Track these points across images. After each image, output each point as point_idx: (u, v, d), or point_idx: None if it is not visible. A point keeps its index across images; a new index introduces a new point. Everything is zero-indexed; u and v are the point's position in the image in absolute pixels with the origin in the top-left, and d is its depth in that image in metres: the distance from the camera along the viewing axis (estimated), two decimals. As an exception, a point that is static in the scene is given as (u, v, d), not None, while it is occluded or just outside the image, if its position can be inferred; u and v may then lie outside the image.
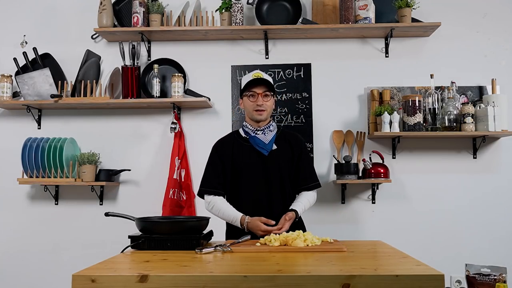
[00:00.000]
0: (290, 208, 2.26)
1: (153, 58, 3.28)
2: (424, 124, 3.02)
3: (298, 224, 2.31)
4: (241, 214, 2.24)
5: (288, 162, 2.36)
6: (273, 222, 2.15)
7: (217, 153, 2.39)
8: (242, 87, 2.35)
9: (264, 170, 2.32)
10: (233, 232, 2.31)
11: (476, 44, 3.22)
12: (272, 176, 2.32)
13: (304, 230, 2.32)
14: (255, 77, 2.29)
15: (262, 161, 2.32)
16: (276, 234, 2.01)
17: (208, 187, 2.34)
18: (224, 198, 2.36)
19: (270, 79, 2.36)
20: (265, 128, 2.35)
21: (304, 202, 2.33)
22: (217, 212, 2.31)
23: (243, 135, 2.39)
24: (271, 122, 2.40)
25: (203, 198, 2.37)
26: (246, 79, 2.35)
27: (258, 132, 2.35)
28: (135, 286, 1.32)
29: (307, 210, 2.36)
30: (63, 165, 3.04)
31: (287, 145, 2.38)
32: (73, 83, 3.16)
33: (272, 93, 2.33)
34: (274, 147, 2.35)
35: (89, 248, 3.14)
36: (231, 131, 3.18)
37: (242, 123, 3.16)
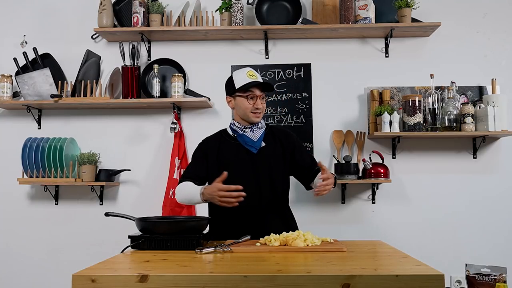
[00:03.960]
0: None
1: (153, 58, 3.28)
2: (424, 124, 3.02)
3: (291, 226, 2.31)
4: (202, 186, 2.13)
5: (280, 159, 2.31)
6: (225, 176, 2.02)
7: (201, 150, 2.34)
8: (237, 86, 2.24)
9: (253, 168, 2.26)
10: (216, 230, 2.24)
11: (476, 44, 3.22)
12: (261, 174, 2.26)
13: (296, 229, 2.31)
14: (251, 77, 2.22)
15: (250, 158, 2.27)
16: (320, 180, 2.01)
17: (182, 177, 2.28)
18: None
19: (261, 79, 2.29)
20: (253, 126, 2.30)
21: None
22: (180, 194, 2.21)
23: (231, 133, 2.34)
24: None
25: None
26: (241, 78, 2.25)
27: (247, 130, 2.29)
28: (135, 286, 1.32)
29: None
30: (63, 165, 3.04)
31: (277, 142, 2.33)
32: (73, 83, 3.16)
33: (266, 94, 2.32)
34: (263, 144, 2.30)
35: (89, 248, 3.14)
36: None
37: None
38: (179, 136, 3.16)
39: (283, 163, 2.32)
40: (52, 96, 3.04)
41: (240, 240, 1.93)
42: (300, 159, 2.34)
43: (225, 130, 2.40)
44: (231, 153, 2.29)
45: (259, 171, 2.27)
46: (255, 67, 3.18)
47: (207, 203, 2.32)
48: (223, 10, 3.15)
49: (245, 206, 2.17)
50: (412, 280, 1.30)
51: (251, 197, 2.15)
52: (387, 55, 3.23)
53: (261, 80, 2.27)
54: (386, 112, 2.98)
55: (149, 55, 3.28)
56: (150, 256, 1.67)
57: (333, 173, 2.15)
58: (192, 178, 2.25)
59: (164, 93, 3.17)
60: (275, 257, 1.64)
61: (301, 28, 3.10)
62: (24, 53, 3.16)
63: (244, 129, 2.30)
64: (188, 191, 2.18)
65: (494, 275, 1.59)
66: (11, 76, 3.14)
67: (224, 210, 2.20)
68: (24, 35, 3.31)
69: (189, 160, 3.14)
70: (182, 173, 2.32)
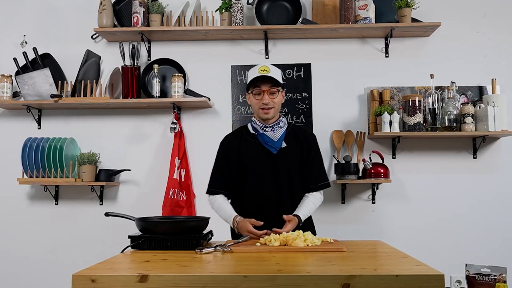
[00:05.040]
0: (294, 213, 2.17)
1: (153, 58, 3.28)
2: (424, 124, 3.02)
3: (308, 226, 2.28)
4: (236, 214, 2.19)
5: (297, 160, 2.27)
6: (261, 223, 2.06)
7: (223, 150, 2.33)
8: (248, 82, 2.24)
9: (273, 169, 2.22)
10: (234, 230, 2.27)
11: (476, 44, 3.22)
12: (280, 176, 2.23)
13: (314, 233, 2.30)
14: (261, 73, 2.18)
15: (270, 159, 2.23)
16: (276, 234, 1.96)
17: (211, 187, 2.33)
18: (226, 196, 2.31)
19: (279, 72, 2.25)
20: (274, 125, 2.25)
21: (309, 206, 2.24)
22: (216, 209, 2.28)
23: (251, 131, 2.30)
24: (281, 118, 2.30)
25: None
26: (251, 74, 2.23)
27: (267, 129, 2.24)
28: (135, 286, 1.32)
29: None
30: (63, 165, 3.04)
31: (297, 142, 2.28)
32: (73, 83, 3.16)
33: (279, 89, 2.23)
34: (284, 145, 2.25)
35: (89, 248, 3.14)
36: (231, 131, 3.18)
37: (241, 123, 3.19)
38: (179, 136, 3.16)
39: (300, 164, 2.29)
40: (52, 96, 3.04)
41: (240, 240, 1.93)
42: (310, 164, 2.29)
43: (246, 126, 2.36)
44: (251, 153, 2.26)
45: (278, 172, 2.23)
46: (255, 67, 3.19)
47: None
48: (223, 10, 3.15)
49: (263, 207, 2.19)
50: (412, 280, 1.30)
51: (270, 197, 2.17)
52: (387, 55, 3.23)
53: (273, 75, 2.19)
54: (386, 112, 2.98)
55: (149, 55, 3.28)
56: (150, 256, 1.67)
57: (299, 221, 2.17)
58: (221, 189, 2.30)
59: (164, 93, 3.17)
60: (275, 257, 1.64)
61: (301, 28, 3.10)
62: (24, 53, 3.16)
63: (264, 128, 2.26)
64: (224, 214, 2.25)
65: (494, 275, 1.58)
66: (11, 76, 3.14)
67: (243, 211, 2.22)
68: (24, 35, 3.31)
69: (190, 160, 3.19)
70: (210, 177, 2.37)
